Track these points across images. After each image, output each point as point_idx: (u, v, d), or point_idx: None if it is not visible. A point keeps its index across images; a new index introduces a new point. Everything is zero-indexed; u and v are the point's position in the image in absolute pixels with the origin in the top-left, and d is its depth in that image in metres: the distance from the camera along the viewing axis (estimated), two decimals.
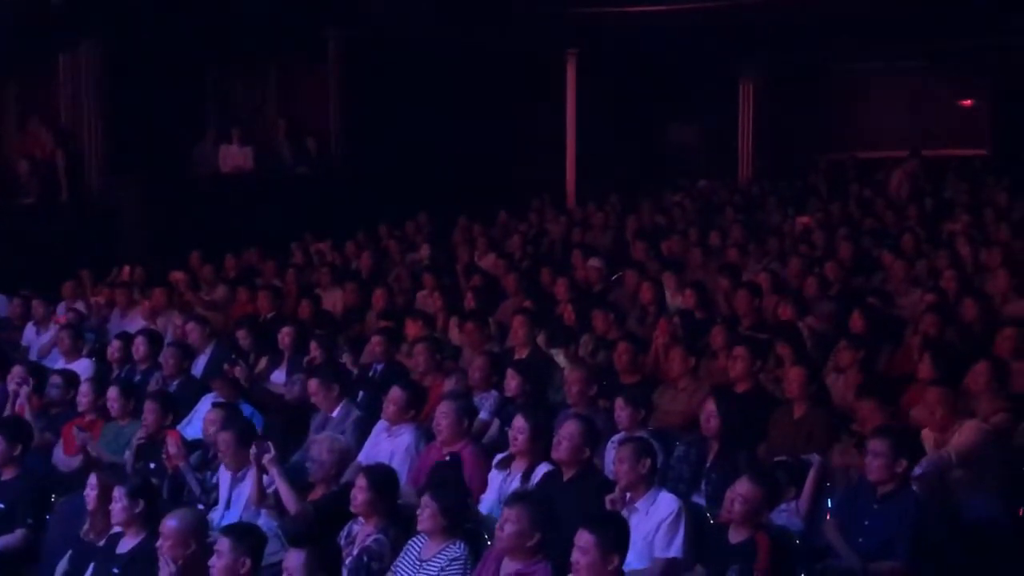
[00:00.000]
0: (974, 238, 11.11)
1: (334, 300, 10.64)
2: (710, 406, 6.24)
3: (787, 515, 5.81)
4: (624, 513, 5.30)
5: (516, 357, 8.12)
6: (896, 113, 20.15)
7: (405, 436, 6.71)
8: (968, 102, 20.21)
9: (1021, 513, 6.02)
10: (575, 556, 4.57)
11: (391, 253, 12.85)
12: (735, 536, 5.15)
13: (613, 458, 5.75)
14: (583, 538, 4.58)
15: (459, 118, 16.18)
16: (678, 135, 19.03)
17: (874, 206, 14.06)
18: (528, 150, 17.19)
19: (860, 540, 5.41)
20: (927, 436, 6.00)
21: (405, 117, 15.35)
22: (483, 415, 7.06)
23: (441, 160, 15.88)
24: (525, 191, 16.17)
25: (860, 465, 5.65)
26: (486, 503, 6.01)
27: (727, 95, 19.33)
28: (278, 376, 8.59)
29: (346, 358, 8.50)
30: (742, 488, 5.14)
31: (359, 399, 7.65)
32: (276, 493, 6.03)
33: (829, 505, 5.74)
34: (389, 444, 6.74)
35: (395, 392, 6.78)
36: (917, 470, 5.59)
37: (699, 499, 6.01)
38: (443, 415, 6.39)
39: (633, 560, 5.10)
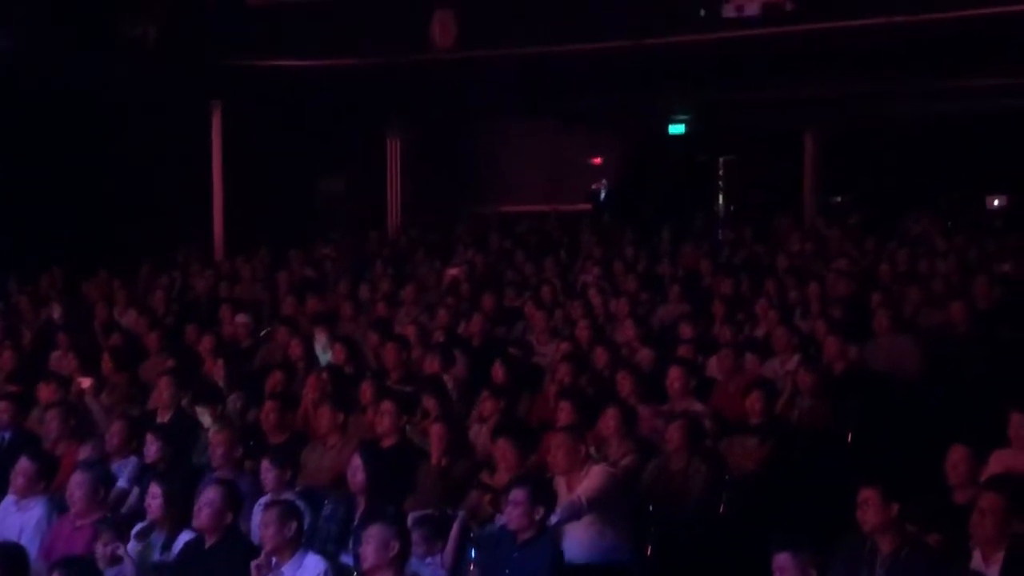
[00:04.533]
0: (605, 289, 11.77)
1: None
2: (356, 461, 6.30)
3: (432, 568, 5.93)
4: None
5: (158, 420, 7.86)
6: (535, 168, 21.13)
7: (36, 509, 6.36)
8: (598, 160, 21.51)
9: (648, 552, 6.42)
10: None
11: (21, 310, 12.12)
12: None
13: (259, 522, 5.68)
14: None
15: (100, 166, 15.56)
16: (327, 188, 19.10)
17: (515, 258, 14.62)
18: (174, 202, 16.73)
19: None
20: (559, 482, 6.29)
21: (41, 163, 14.59)
22: (121, 483, 6.78)
23: (80, 210, 15.19)
24: (170, 244, 15.72)
25: (490, 515, 5.88)
26: None
27: (376, 148, 19.63)
28: None
29: None
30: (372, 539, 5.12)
31: None
32: None
33: (473, 555, 5.90)
34: (18, 519, 6.37)
35: (23, 463, 6.41)
36: (553, 518, 5.85)
37: (347, 557, 6.03)
38: (77, 485, 6.11)
39: None
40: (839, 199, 19.52)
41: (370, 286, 12.69)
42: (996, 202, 18.46)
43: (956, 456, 6.02)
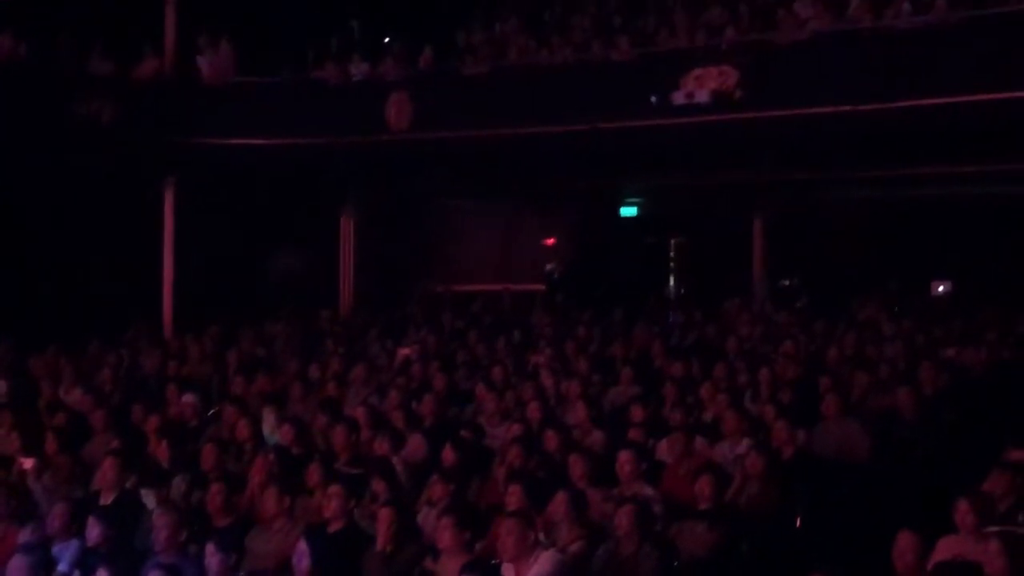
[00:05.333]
0: (556, 370, 11.78)
1: None
2: (302, 547, 6.23)
3: None
4: None
5: (102, 502, 7.72)
6: (488, 248, 21.25)
7: None
8: (552, 240, 21.68)
9: None
10: None
11: None
12: None
13: None
14: None
15: (51, 241, 15.46)
16: (280, 265, 19.07)
17: (468, 338, 14.63)
18: (124, 278, 16.63)
19: None
20: (507, 570, 6.23)
21: None
22: (62, 567, 6.64)
23: (30, 285, 15.05)
24: (119, 321, 15.58)
25: None
26: None
27: (330, 226, 19.66)
28: None
29: None
30: None
31: None
32: None
33: None
34: None
35: None
36: None
37: None
38: (16, 569, 5.98)
39: None
40: (788, 283, 19.76)
41: (320, 365, 12.62)
42: (941, 287, 18.76)
43: (903, 543, 6.04)
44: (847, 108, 13.34)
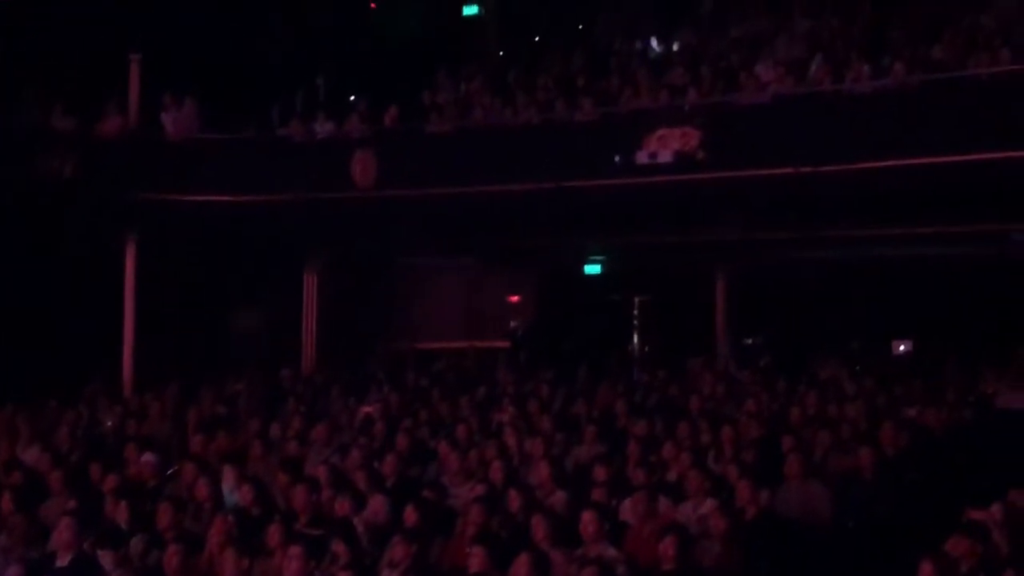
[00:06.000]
0: (520, 428, 11.74)
1: None
2: None
3: None
4: None
5: (58, 563, 7.59)
6: (452, 305, 21.24)
7: None
8: (516, 298, 21.70)
9: None
10: None
11: None
12: None
13: None
14: None
15: (10, 297, 15.31)
16: (242, 322, 18.95)
17: (431, 396, 14.56)
18: (84, 335, 16.47)
19: None
20: None
21: None
22: None
23: None
24: (78, 378, 15.41)
25: None
26: None
27: (293, 283, 19.59)
28: None
29: None
30: None
31: None
32: None
33: None
34: None
35: None
36: None
37: None
38: None
39: None
40: (750, 341, 19.85)
41: (282, 424, 12.51)
42: (902, 347, 18.90)
43: None
44: (808, 169, 13.49)
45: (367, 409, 13.87)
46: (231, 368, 16.89)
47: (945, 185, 13.29)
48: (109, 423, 13.54)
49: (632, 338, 21.54)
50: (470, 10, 21.78)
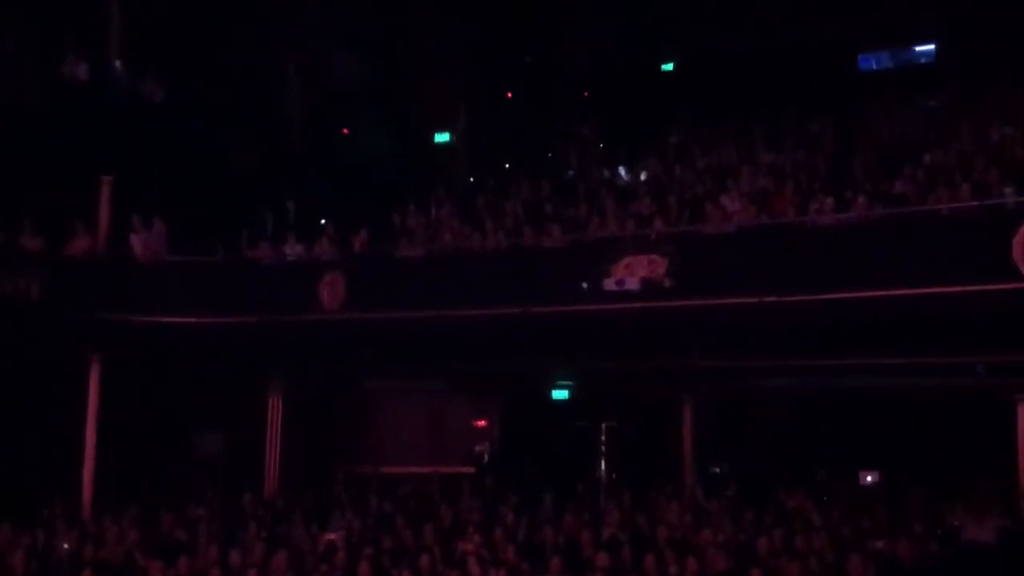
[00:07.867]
0: (484, 558, 11.57)
1: None
2: None
3: None
4: None
5: None
6: (418, 430, 21.06)
7: None
8: (482, 422, 21.56)
9: None
10: None
11: None
12: None
13: None
14: None
15: None
16: (205, 445, 18.71)
17: (394, 522, 14.34)
18: (42, 456, 16.20)
19: None
20: None
21: None
22: None
23: None
24: (36, 500, 15.10)
25: None
26: None
27: (257, 406, 19.41)
28: None
29: None
30: None
31: None
32: None
33: None
34: None
35: None
36: None
37: None
38: None
39: None
40: (717, 469, 19.74)
41: (242, 551, 12.27)
42: (869, 477, 18.85)
43: None
44: (772, 299, 13.60)
45: (330, 536, 13.66)
46: (193, 491, 16.62)
47: (909, 316, 13.41)
48: (66, 546, 13.26)
49: (599, 465, 21.41)
50: (441, 137, 22.13)
